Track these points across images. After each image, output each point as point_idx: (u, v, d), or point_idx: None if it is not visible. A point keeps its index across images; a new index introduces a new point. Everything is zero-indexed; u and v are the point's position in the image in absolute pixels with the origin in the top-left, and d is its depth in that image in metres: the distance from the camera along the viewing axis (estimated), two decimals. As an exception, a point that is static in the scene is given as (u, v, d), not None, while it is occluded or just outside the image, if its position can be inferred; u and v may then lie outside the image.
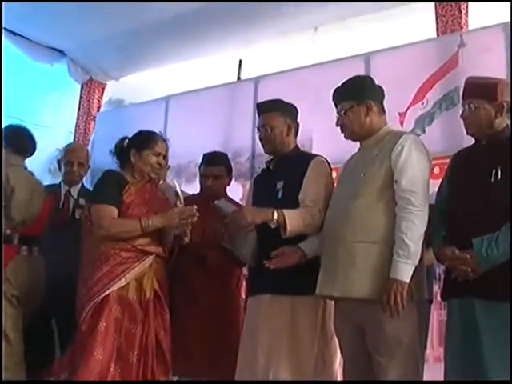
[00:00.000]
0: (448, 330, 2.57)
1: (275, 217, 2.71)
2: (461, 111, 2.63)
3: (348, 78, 2.78)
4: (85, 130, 6.91)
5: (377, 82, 2.79)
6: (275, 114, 2.99)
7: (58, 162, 3.80)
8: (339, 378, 2.80)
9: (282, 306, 2.77)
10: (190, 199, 3.20)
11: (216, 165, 3.45)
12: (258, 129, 3.05)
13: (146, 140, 3.05)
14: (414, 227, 2.45)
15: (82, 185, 3.81)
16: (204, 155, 3.55)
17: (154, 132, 3.13)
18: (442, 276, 2.71)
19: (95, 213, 2.90)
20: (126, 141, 3.12)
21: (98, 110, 7.04)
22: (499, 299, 2.36)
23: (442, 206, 2.65)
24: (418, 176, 2.53)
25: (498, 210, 2.41)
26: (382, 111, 2.74)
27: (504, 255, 2.35)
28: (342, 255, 2.53)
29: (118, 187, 2.93)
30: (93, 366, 2.70)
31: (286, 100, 3.06)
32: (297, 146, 3.07)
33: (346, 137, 2.77)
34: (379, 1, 4.86)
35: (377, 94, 2.75)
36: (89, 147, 6.74)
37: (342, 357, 2.71)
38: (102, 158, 6.52)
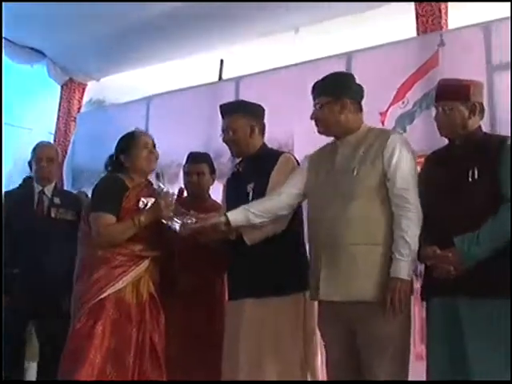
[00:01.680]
0: (430, 328, 2.58)
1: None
2: (434, 113, 2.66)
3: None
4: (65, 130, 6.85)
5: (357, 81, 2.79)
6: (237, 116, 2.96)
7: (29, 163, 3.77)
8: (322, 378, 2.80)
9: (264, 309, 2.76)
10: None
11: (200, 162, 3.47)
12: (222, 131, 3.02)
13: (128, 140, 3.05)
14: (413, 225, 2.49)
15: (56, 184, 3.77)
16: (188, 154, 3.55)
17: (133, 130, 3.13)
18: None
19: (94, 220, 2.90)
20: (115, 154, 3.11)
21: (79, 111, 6.98)
22: (483, 295, 2.38)
23: None
24: (410, 174, 2.57)
25: (476, 209, 2.44)
26: (360, 110, 2.74)
27: (486, 252, 2.37)
28: (343, 259, 2.53)
29: (117, 193, 2.93)
30: (89, 368, 2.69)
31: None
32: (264, 144, 3.05)
33: (319, 131, 2.78)
34: (367, 1, 4.88)
35: (355, 92, 2.75)
36: (69, 148, 6.73)
37: (326, 358, 2.70)
38: (82, 158, 6.58)
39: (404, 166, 2.56)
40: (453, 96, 2.60)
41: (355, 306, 2.50)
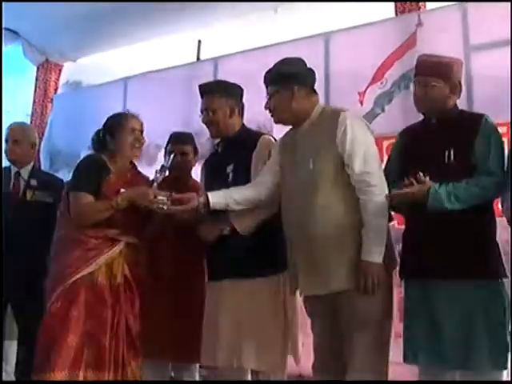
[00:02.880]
0: (407, 308, 2.62)
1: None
2: (416, 88, 2.64)
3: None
4: (42, 112, 6.77)
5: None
6: (217, 96, 2.93)
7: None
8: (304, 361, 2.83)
9: (244, 290, 2.77)
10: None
11: (184, 143, 3.43)
12: (201, 112, 3.00)
13: (116, 121, 3.01)
14: (379, 206, 2.45)
15: (34, 166, 3.72)
16: (171, 134, 3.52)
17: (123, 112, 3.10)
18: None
19: (72, 200, 2.88)
20: (101, 132, 3.06)
21: (55, 92, 6.90)
22: (456, 277, 2.43)
23: (390, 178, 2.64)
24: (369, 153, 2.52)
25: None
26: (313, 93, 2.70)
27: (452, 203, 2.39)
28: (315, 250, 2.52)
29: (98, 174, 2.90)
30: (66, 352, 2.69)
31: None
32: (243, 125, 3.03)
33: (275, 121, 2.76)
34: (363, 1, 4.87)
35: (304, 78, 2.69)
36: (46, 130, 6.65)
37: (314, 343, 2.71)
38: (59, 140, 6.52)
39: (360, 147, 2.50)
40: (434, 72, 2.59)
41: (335, 294, 2.51)
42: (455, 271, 2.43)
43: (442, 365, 2.47)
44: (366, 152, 2.51)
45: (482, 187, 2.41)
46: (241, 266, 2.74)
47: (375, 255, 2.43)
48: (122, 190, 2.86)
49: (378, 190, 2.47)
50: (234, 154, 2.91)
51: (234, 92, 2.98)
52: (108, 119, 3.07)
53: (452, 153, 2.49)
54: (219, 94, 2.93)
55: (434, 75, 2.58)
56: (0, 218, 3.39)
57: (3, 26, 6.18)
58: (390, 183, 2.59)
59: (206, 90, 2.98)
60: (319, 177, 2.53)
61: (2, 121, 3.66)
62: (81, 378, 2.69)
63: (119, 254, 2.89)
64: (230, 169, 2.88)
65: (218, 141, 3.06)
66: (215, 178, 2.94)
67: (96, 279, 2.82)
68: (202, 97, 2.99)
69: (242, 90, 3.01)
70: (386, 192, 2.49)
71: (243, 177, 2.82)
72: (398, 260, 2.69)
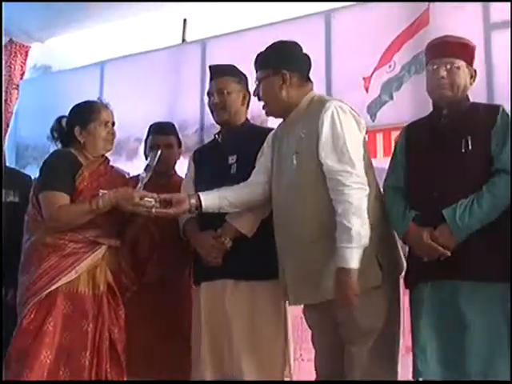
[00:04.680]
0: (417, 318, 2.60)
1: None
2: (438, 71, 2.62)
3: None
4: (6, 100, 6.75)
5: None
6: (232, 79, 3.00)
7: None
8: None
9: (245, 292, 2.81)
10: (135, 180, 3.16)
11: (166, 134, 3.46)
12: (209, 94, 3.03)
13: (88, 112, 3.00)
14: (351, 207, 2.43)
15: None
16: (151, 125, 3.54)
17: (93, 101, 3.09)
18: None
19: (44, 201, 2.85)
20: (64, 120, 3.06)
21: (22, 78, 6.90)
22: (485, 279, 2.43)
23: (399, 184, 2.67)
24: (346, 148, 2.48)
25: (472, 180, 2.48)
26: (306, 81, 2.70)
27: (478, 222, 2.42)
28: (303, 258, 2.54)
29: (70, 170, 2.88)
30: (39, 370, 2.67)
31: (239, 64, 3.06)
32: (247, 119, 3.09)
33: (266, 113, 2.77)
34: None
35: (297, 63, 2.70)
36: (11, 120, 6.64)
37: (314, 347, 2.76)
38: (27, 131, 6.50)
39: (337, 141, 2.48)
40: (460, 55, 2.61)
41: (330, 301, 2.51)
42: (478, 272, 2.43)
43: (461, 377, 2.47)
44: (344, 146, 2.48)
45: (500, 196, 2.43)
46: (244, 267, 2.79)
47: (346, 260, 2.40)
48: (102, 191, 2.84)
49: (352, 190, 2.44)
50: (239, 143, 2.95)
51: (245, 81, 3.06)
52: (76, 108, 3.07)
53: (470, 141, 2.51)
54: (234, 78, 3.01)
55: (459, 57, 2.61)
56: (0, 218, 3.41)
57: None
58: (396, 180, 2.65)
59: (221, 71, 3.05)
60: (302, 178, 2.56)
61: (2, 121, 3.61)
62: (56, 401, 2.70)
63: (102, 260, 2.89)
64: (232, 159, 2.92)
65: (218, 130, 3.09)
66: (214, 169, 2.97)
67: (76, 289, 2.80)
68: (212, 78, 3.05)
69: (247, 79, 3.06)
70: (367, 189, 2.48)
71: (247, 169, 2.85)
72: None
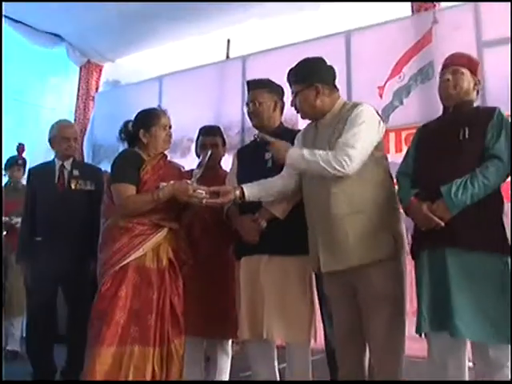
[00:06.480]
0: (418, 283, 2.58)
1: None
2: (445, 76, 2.60)
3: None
4: (84, 109, 6.88)
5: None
6: (263, 91, 3.01)
7: (50, 140, 3.77)
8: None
9: (277, 265, 2.80)
10: (189, 173, 3.19)
11: (213, 135, 3.48)
12: (248, 104, 3.06)
13: (150, 117, 3.03)
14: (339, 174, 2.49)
15: (74, 158, 3.79)
16: (200, 128, 3.56)
17: (155, 108, 3.12)
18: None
19: (115, 192, 2.89)
20: (130, 124, 3.09)
21: (97, 91, 7.01)
22: (471, 248, 2.40)
23: (408, 170, 2.65)
24: (360, 135, 2.49)
25: (467, 163, 2.44)
26: (334, 89, 2.70)
27: (471, 198, 2.38)
28: (334, 230, 2.54)
29: (135, 165, 2.92)
30: (114, 328, 2.72)
31: (271, 76, 3.06)
32: (281, 123, 3.09)
33: (302, 117, 2.77)
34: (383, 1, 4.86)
35: (326, 75, 2.69)
36: (88, 125, 6.75)
37: (334, 320, 2.73)
38: (101, 134, 6.61)
39: (357, 126, 2.49)
40: (465, 64, 2.62)
41: (353, 270, 2.53)
42: (468, 240, 2.40)
43: (454, 333, 2.43)
44: (359, 133, 2.49)
45: (491, 177, 2.40)
46: (277, 243, 2.79)
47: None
48: (163, 183, 2.88)
49: (349, 162, 2.46)
50: None
51: (277, 90, 3.07)
52: (140, 114, 3.11)
53: (467, 132, 2.49)
54: (266, 89, 3.01)
55: (464, 66, 2.60)
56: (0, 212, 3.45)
57: (48, 30, 6.32)
58: (405, 168, 2.64)
59: (254, 85, 3.07)
60: None
61: (2, 120, 3.63)
62: (128, 353, 2.75)
63: (164, 239, 2.93)
64: (268, 156, 2.93)
65: (256, 133, 3.10)
66: (253, 164, 2.99)
67: (143, 263, 2.84)
68: (249, 91, 3.07)
69: (283, 90, 3.06)
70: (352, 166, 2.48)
71: (279, 165, 2.85)
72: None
